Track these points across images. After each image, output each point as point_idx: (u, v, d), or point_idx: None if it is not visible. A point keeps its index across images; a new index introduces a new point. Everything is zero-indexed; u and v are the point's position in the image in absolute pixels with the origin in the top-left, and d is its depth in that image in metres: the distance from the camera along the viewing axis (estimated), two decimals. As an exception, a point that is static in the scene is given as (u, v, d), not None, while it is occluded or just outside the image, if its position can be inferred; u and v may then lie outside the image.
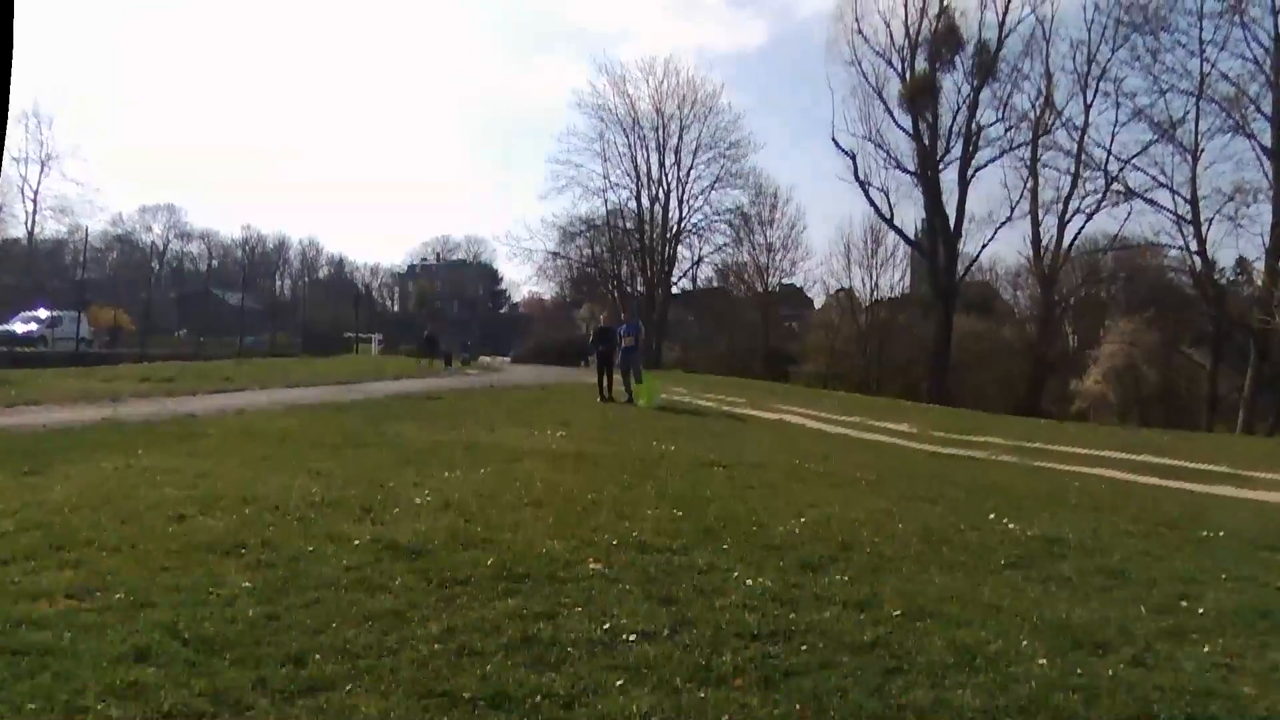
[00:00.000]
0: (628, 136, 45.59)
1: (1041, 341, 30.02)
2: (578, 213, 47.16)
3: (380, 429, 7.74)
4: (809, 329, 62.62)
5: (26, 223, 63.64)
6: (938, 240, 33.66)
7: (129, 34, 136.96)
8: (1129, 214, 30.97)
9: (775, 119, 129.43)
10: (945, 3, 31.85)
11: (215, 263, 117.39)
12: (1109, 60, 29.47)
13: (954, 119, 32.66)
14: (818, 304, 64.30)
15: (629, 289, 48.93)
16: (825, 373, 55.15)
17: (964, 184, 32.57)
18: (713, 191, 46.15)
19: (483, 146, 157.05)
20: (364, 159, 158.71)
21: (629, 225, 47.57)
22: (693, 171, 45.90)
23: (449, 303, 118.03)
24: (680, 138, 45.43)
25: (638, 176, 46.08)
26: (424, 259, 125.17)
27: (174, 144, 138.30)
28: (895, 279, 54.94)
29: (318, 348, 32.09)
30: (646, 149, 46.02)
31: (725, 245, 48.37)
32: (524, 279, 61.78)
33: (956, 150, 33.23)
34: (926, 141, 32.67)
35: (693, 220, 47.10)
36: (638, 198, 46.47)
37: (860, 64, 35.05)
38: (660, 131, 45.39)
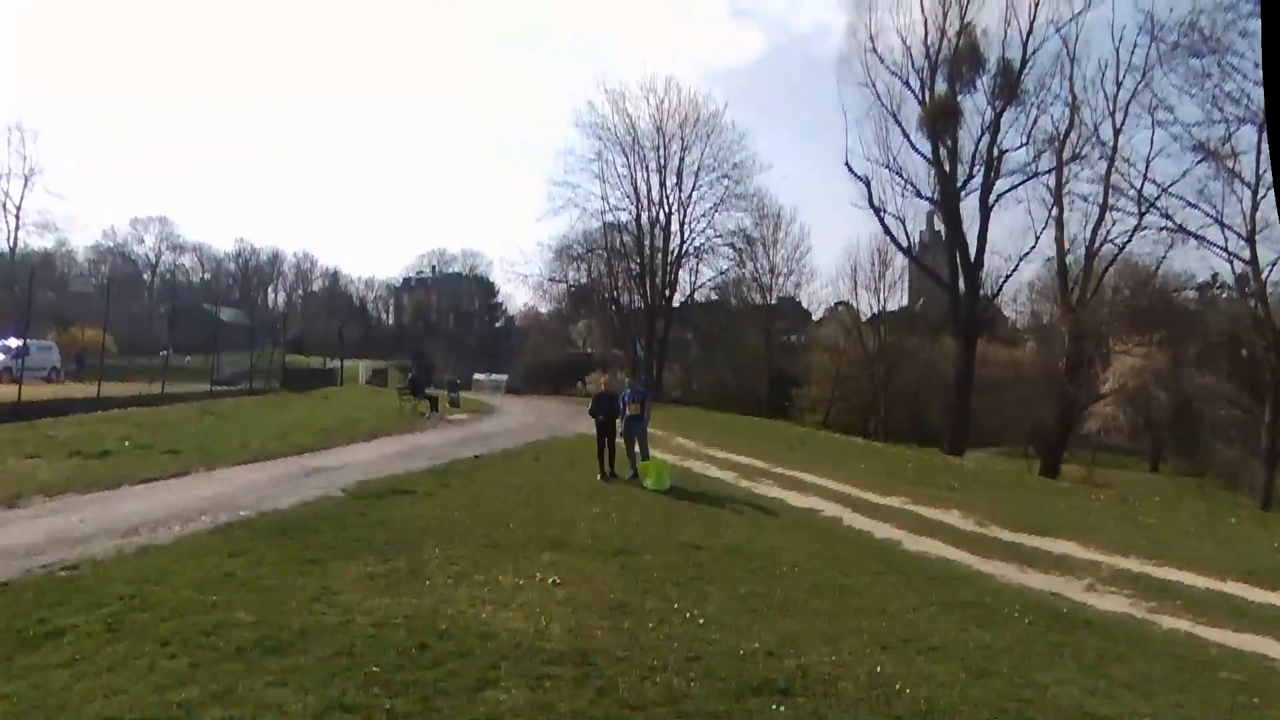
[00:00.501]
0: (627, 156, 44.00)
1: (1071, 382, 28.10)
2: (575, 235, 45.47)
3: (303, 582, 5.82)
4: (810, 346, 60.95)
5: (8, 239, 62.13)
6: (958, 271, 31.81)
7: (119, 46, 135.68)
8: (1170, 246, 29.12)
9: (774, 131, 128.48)
10: (966, 20, 30.23)
11: (208, 275, 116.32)
12: (1141, 83, 27.76)
13: (977, 144, 30.94)
14: (816, 315, 62.74)
15: (626, 313, 47.09)
16: (830, 397, 53.44)
17: (985, 212, 30.86)
18: (716, 214, 44.48)
19: (480, 158, 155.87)
20: (360, 170, 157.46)
21: (628, 247, 45.84)
22: (695, 193, 44.27)
23: (445, 316, 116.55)
24: (682, 158, 43.82)
25: (637, 198, 44.42)
26: (419, 271, 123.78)
27: (166, 156, 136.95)
28: (903, 300, 53.43)
29: (299, 383, 30.18)
30: (647, 169, 44.41)
31: (728, 269, 46.64)
32: (521, 301, 59.84)
33: (978, 176, 31.52)
34: (947, 167, 30.95)
35: (694, 243, 45.39)
36: (637, 220, 44.81)
37: (875, 84, 33.46)
38: (661, 151, 43.80)
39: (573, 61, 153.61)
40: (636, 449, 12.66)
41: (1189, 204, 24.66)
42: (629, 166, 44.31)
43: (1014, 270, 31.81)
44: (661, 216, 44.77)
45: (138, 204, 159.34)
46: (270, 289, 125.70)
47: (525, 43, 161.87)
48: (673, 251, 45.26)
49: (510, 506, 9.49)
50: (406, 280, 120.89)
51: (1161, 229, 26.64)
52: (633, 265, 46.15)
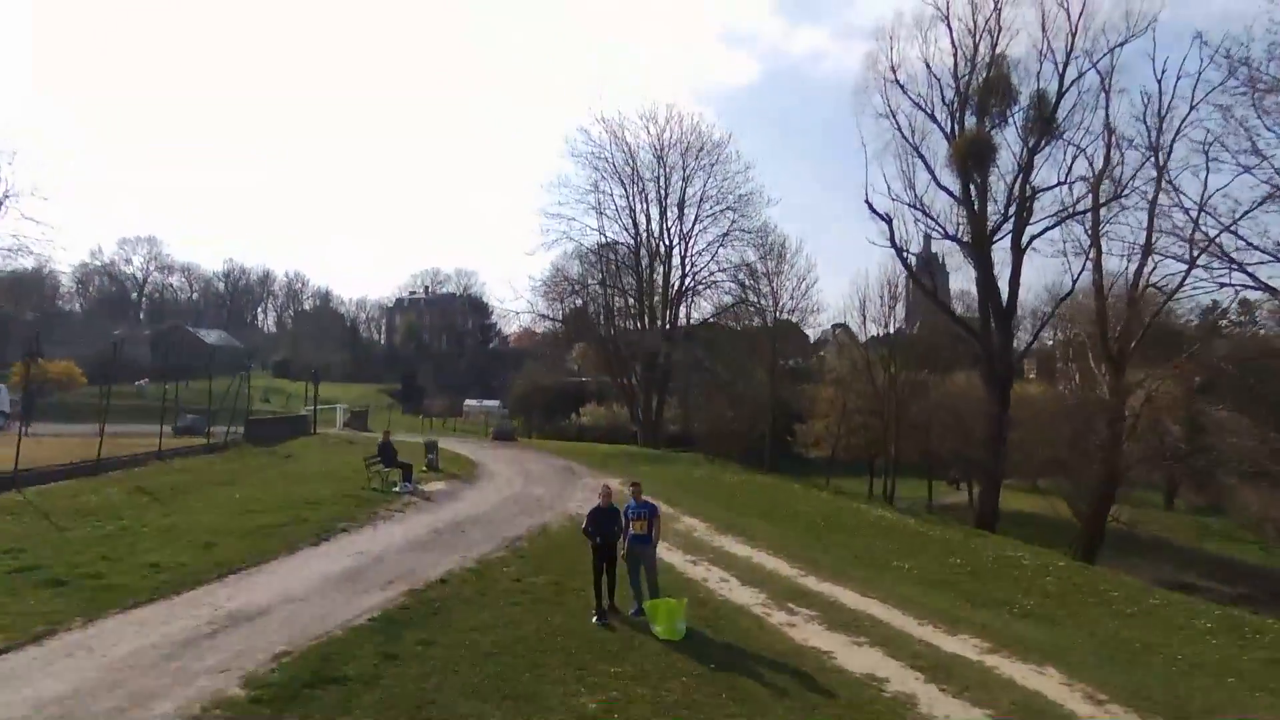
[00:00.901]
0: (626, 188, 41.80)
1: (1115, 443, 25.52)
2: (569, 269, 43.09)
3: None
4: (815, 377, 58.39)
5: (-20, 261, 59.71)
6: (989, 318, 29.32)
7: (107, 59, 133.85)
8: (1220, 289, 26.53)
9: (768, 155, 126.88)
10: (998, 50, 28.01)
11: (196, 296, 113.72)
12: (1187, 119, 25.42)
13: (1017, 183, 28.55)
14: (814, 336, 60.36)
15: (624, 350, 44.53)
16: (837, 433, 50.79)
17: (1017, 254, 28.46)
18: (720, 248, 42.16)
19: (475, 180, 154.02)
20: (353, 189, 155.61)
21: (625, 285, 43.46)
22: (697, 225, 41.97)
23: (437, 337, 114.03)
24: (684, 189, 41.56)
25: (636, 231, 42.13)
26: (412, 291, 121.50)
27: (153, 176, 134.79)
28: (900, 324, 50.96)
29: (264, 435, 27.53)
30: (646, 201, 42.23)
31: (732, 306, 44.25)
32: (516, 324, 56.94)
33: (1008, 217, 29.06)
34: (976, 206, 28.58)
35: (696, 277, 43.03)
36: (636, 254, 42.48)
37: (896, 116, 31.28)
38: (661, 182, 41.57)
39: (567, 85, 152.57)
40: (643, 579, 10.13)
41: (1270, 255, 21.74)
42: (627, 198, 42.11)
43: (1049, 318, 29.30)
44: (662, 249, 42.46)
45: (125, 223, 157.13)
46: (260, 309, 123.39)
47: (521, 66, 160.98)
48: (673, 285, 42.93)
49: (474, 701, 6.92)
50: (399, 300, 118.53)
51: (1219, 273, 23.71)
52: (630, 301, 43.79)
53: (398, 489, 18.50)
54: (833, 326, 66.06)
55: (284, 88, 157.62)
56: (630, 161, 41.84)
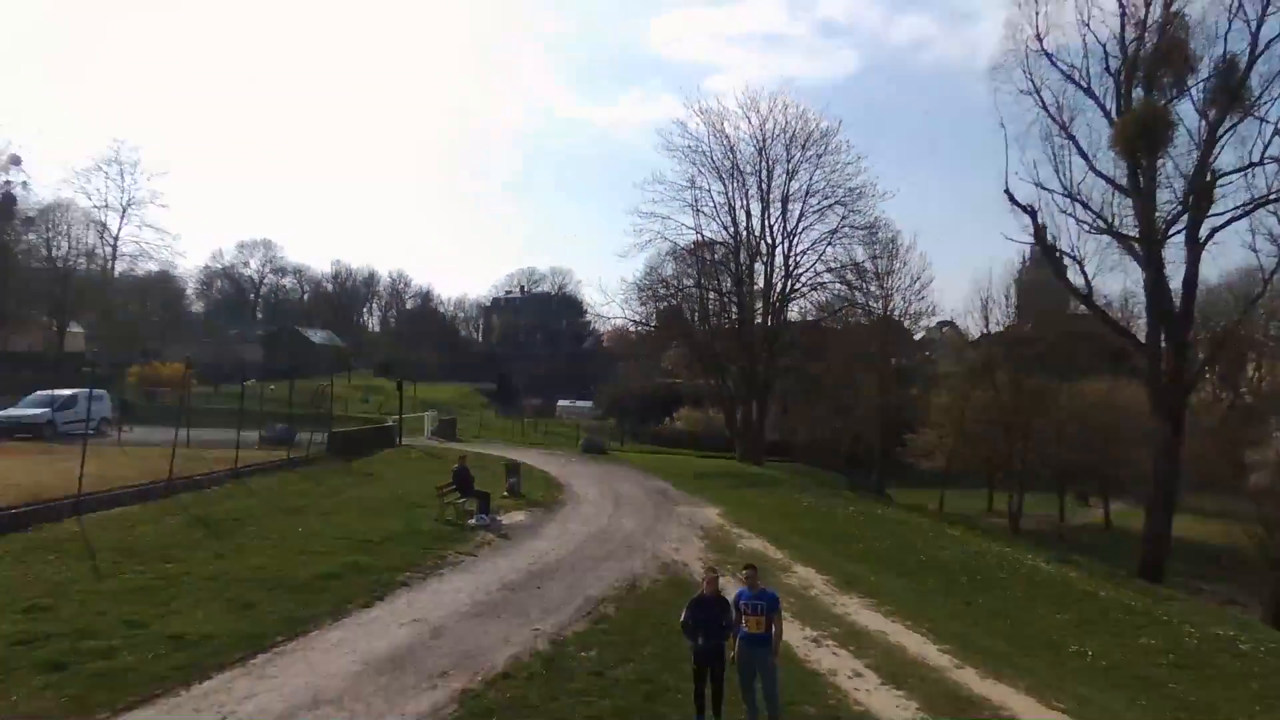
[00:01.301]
0: (725, 183, 38.99)
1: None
2: (663, 270, 40.81)
3: None
4: (928, 383, 53.99)
5: (108, 267, 63.22)
6: (1159, 329, 24.98)
7: (220, 78, 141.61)
8: None
9: (873, 148, 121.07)
10: (1173, 7, 23.58)
11: (306, 297, 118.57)
12: None
13: (1195, 165, 24.06)
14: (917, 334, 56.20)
15: (721, 354, 41.82)
16: (952, 446, 46.45)
17: (1194, 250, 23.99)
18: (828, 246, 38.88)
19: (564, 180, 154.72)
20: (455, 189, 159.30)
21: (724, 286, 40.79)
22: (801, 221, 38.83)
23: (532, 336, 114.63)
24: (788, 184, 38.49)
25: (735, 229, 39.32)
26: (508, 291, 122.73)
27: (269, 180, 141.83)
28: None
29: (349, 448, 26.62)
30: (746, 197, 39.30)
31: (839, 310, 40.90)
32: (610, 323, 55.03)
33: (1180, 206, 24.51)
34: (1144, 194, 24.28)
35: (801, 278, 39.89)
36: (735, 252, 39.73)
37: (1040, 92, 27.34)
38: (763, 176, 38.60)
39: (659, 83, 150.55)
40: (759, 691, 7.72)
41: None
42: (726, 193, 39.33)
43: (1238, 322, 24.69)
44: (763, 247, 39.55)
45: (243, 227, 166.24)
46: (365, 309, 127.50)
47: (615, 67, 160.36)
48: (775, 286, 39.96)
49: None
50: (495, 300, 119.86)
51: None
52: (727, 302, 41.12)
53: (473, 521, 16.75)
54: (938, 324, 61.19)
55: (387, 100, 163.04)
56: (730, 155, 39.15)
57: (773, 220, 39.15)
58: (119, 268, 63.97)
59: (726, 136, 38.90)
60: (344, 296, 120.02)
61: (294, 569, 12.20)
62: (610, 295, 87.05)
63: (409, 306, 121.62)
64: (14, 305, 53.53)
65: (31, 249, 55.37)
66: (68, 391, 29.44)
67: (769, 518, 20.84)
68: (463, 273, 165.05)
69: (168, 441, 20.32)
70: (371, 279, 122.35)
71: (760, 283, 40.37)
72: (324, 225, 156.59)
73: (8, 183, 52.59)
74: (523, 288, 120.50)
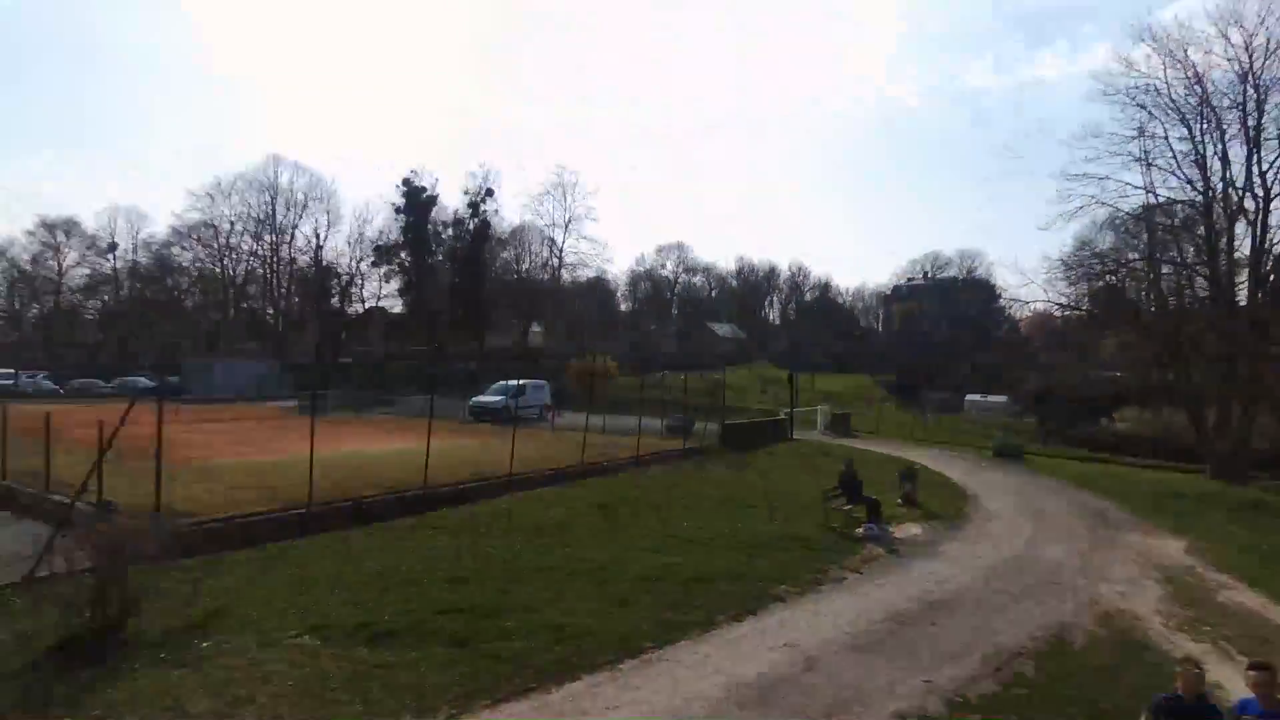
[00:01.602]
0: (1190, 126, 30.36)
1: None
2: (1100, 245, 33.47)
3: None
4: None
5: (557, 275, 76.84)
6: None
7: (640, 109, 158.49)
8: None
9: None
10: None
11: (714, 293, 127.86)
12: None
13: None
14: None
15: (1185, 344, 32.79)
16: None
17: None
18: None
19: (976, 154, 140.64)
20: (849, 177, 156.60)
21: (1186, 253, 31.92)
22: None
23: (937, 325, 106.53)
24: (1282, 117, 28.46)
25: (1206, 184, 30.38)
26: (910, 278, 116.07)
27: (683, 189, 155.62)
28: None
29: (739, 441, 26.94)
30: (1223, 141, 30.07)
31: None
32: (1029, 308, 47.28)
33: None
34: None
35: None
36: (1206, 212, 30.74)
37: None
38: (1248, 110, 29.12)
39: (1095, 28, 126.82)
40: None
41: None
42: (1191, 139, 30.60)
43: None
44: (1249, 204, 29.95)
45: (660, 233, 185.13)
46: (766, 302, 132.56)
47: (1028, 16, 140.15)
48: (1270, 253, 30.01)
49: None
50: (896, 288, 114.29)
51: None
52: (1193, 277, 32.11)
53: (860, 531, 15.14)
54: None
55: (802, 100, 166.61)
56: (1196, 88, 30.39)
57: (1264, 166, 29.36)
58: (564, 276, 77.02)
59: (1193, 65, 30.26)
60: (747, 291, 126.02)
61: (672, 567, 12.12)
62: (1029, 275, 76.24)
63: (807, 298, 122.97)
64: (494, 311, 68.03)
65: (505, 265, 69.76)
66: (520, 381, 35.51)
67: (1265, 561, 15.18)
68: (861, 262, 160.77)
69: (591, 427, 22.74)
70: (772, 273, 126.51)
71: (1245, 250, 30.63)
72: (728, 225, 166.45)
73: (484, 212, 66.72)
74: (926, 273, 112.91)
